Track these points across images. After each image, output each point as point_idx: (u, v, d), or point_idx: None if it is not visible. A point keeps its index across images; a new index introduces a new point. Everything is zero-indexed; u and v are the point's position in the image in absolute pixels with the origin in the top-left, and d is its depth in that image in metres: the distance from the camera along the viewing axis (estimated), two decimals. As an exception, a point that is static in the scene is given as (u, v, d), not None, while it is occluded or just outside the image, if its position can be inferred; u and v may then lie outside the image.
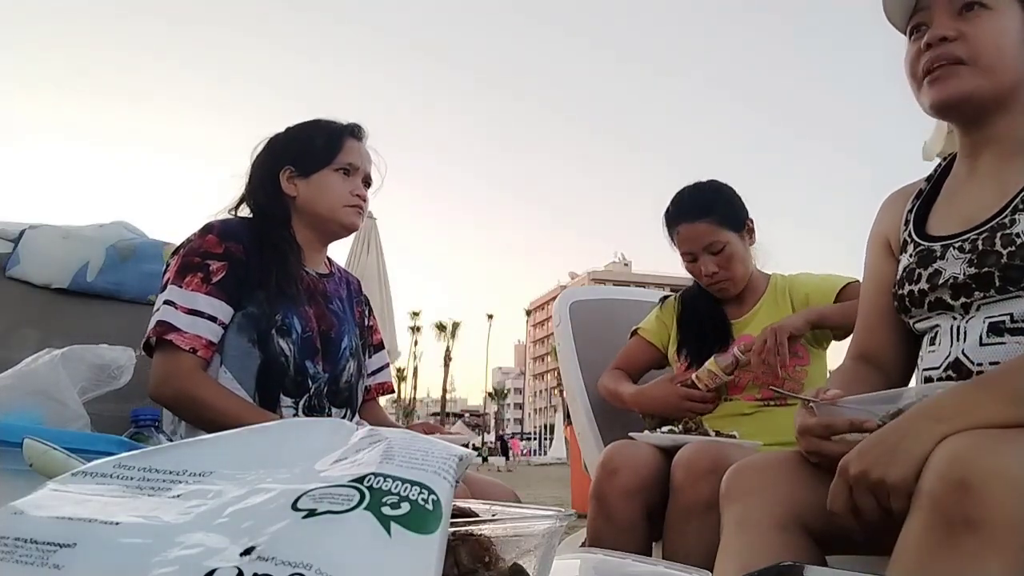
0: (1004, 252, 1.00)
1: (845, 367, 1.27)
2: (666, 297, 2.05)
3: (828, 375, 1.87)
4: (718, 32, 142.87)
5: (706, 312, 1.89)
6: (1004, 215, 1.04)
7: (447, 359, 69.51)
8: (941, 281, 1.07)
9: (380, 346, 1.78)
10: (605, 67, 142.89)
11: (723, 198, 1.85)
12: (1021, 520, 0.75)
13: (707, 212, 1.79)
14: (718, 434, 1.59)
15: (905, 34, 1.16)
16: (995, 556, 0.74)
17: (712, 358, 1.76)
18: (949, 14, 1.07)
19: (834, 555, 1.01)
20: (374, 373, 1.74)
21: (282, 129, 1.63)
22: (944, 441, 0.83)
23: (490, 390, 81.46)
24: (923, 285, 1.10)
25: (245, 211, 1.60)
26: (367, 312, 1.75)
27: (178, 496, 0.38)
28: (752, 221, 1.87)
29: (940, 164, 1.25)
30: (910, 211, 1.21)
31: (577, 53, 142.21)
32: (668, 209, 1.87)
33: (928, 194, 1.22)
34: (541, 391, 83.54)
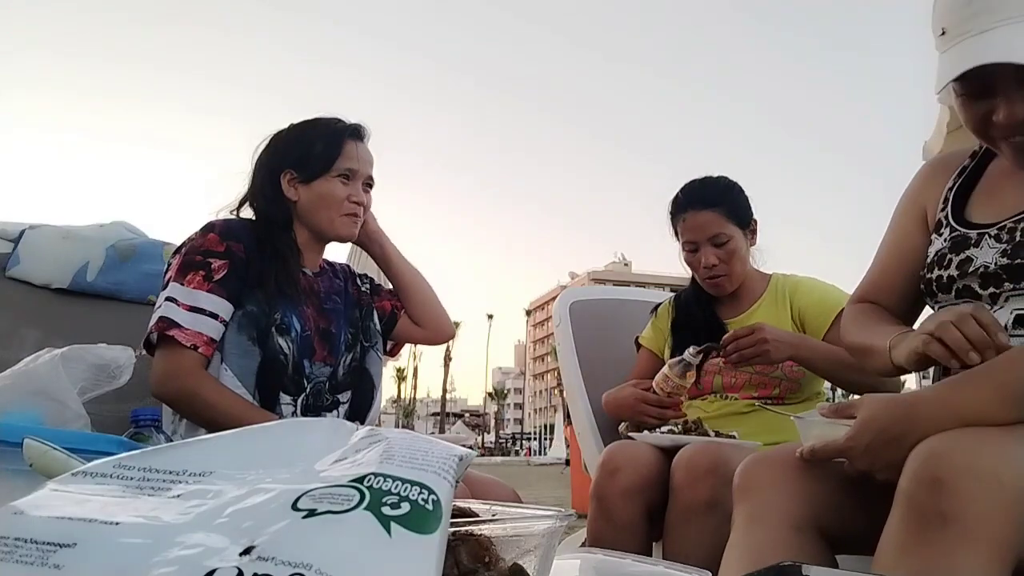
0: None
1: (854, 311, 1.26)
2: (658, 305, 2.02)
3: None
4: (718, 35, 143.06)
5: (700, 315, 1.88)
6: None
7: (447, 359, 69.52)
8: (971, 269, 1.05)
9: (392, 293, 1.77)
10: (605, 68, 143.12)
11: (733, 193, 1.85)
12: (992, 515, 0.77)
13: (716, 203, 1.79)
14: (717, 434, 1.59)
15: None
16: (967, 550, 0.77)
17: (667, 363, 1.73)
18: (1019, 88, 0.99)
19: (846, 554, 1.01)
20: (395, 302, 1.74)
21: (285, 126, 1.61)
22: (923, 443, 0.85)
23: (490, 390, 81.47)
24: (952, 271, 1.08)
25: (247, 211, 1.60)
26: (365, 287, 1.73)
27: (178, 496, 0.38)
28: (756, 222, 1.86)
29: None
30: (951, 189, 1.18)
31: (577, 54, 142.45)
32: (676, 196, 1.86)
33: (971, 173, 1.17)
34: (541, 391, 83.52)
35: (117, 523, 0.35)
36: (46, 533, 0.35)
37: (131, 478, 0.40)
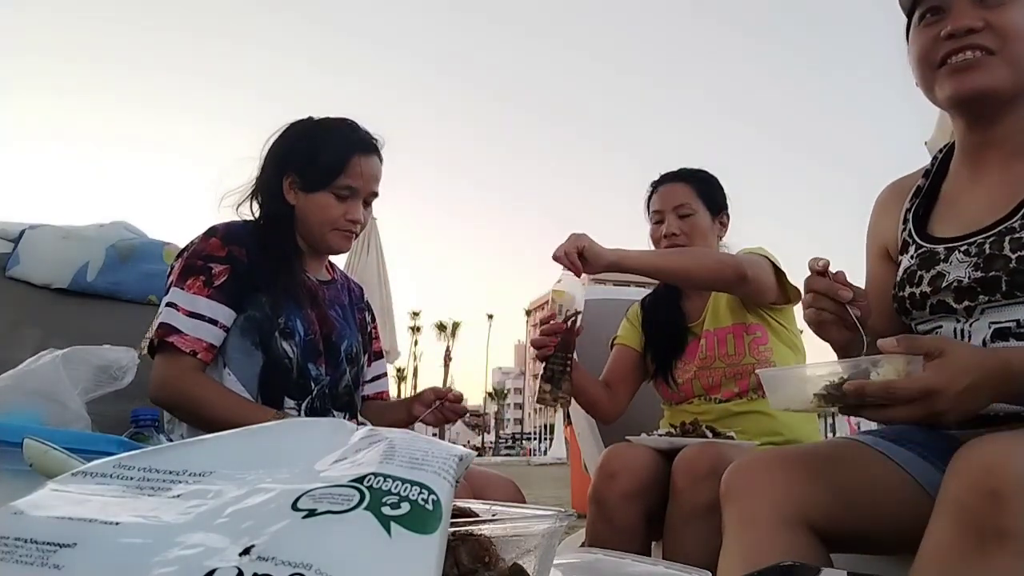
0: (1013, 257, 0.97)
1: None
2: (628, 307, 2.02)
3: (796, 341, 1.82)
4: (716, 40, 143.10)
5: (666, 315, 1.89)
6: (1014, 219, 1.00)
7: (447, 359, 69.57)
8: (944, 284, 1.04)
9: (379, 355, 1.76)
10: (604, 74, 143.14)
11: (707, 178, 1.90)
12: None
13: (688, 179, 1.87)
14: (715, 435, 1.58)
15: (908, 14, 1.11)
16: None
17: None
18: (971, 2, 1.02)
19: (839, 553, 1.01)
20: (372, 381, 1.73)
21: (304, 117, 1.57)
22: (974, 447, 0.80)
23: (490, 390, 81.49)
24: (925, 288, 1.07)
25: (246, 211, 1.58)
26: (369, 319, 1.73)
27: (178, 496, 0.38)
28: (728, 216, 1.89)
29: (937, 157, 1.21)
30: (909, 210, 1.18)
31: (577, 59, 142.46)
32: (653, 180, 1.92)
33: (927, 191, 1.18)
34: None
35: (117, 523, 0.35)
36: (46, 533, 0.35)
37: (131, 478, 0.40)
